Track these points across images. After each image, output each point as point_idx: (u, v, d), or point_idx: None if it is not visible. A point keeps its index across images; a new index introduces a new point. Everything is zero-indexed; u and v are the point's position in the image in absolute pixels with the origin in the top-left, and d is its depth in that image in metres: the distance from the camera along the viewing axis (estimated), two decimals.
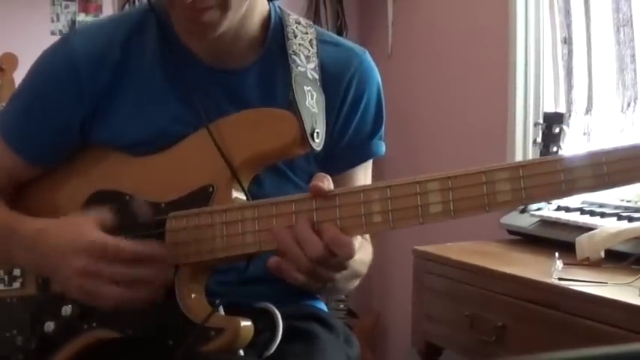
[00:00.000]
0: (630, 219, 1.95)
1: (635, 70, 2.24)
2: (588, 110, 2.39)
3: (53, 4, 3.17)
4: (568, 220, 2.06)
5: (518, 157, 2.54)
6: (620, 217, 1.98)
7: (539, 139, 2.32)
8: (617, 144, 0.97)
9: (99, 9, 3.22)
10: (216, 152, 1.13)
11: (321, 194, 1.04)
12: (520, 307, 1.82)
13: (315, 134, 1.13)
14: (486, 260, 2.00)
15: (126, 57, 1.22)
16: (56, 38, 1.30)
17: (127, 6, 3.17)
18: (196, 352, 1.07)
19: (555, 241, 2.02)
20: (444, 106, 3.04)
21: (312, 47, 1.25)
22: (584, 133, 2.39)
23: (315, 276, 1.05)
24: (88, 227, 1.10)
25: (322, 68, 1.24)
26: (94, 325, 1.16)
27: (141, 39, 1.23)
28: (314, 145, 1.13)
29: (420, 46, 3.19)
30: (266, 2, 1.27)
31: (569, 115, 2.42)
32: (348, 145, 1.28)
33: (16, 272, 1.27)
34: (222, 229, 1.10)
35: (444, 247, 2.20)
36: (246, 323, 1.09)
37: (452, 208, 0.99)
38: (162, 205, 1.15)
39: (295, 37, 1.24)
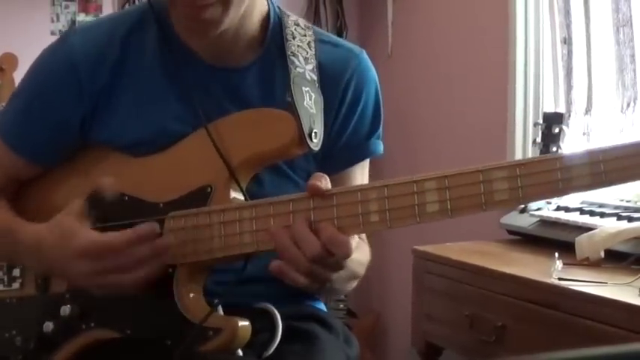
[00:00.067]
0: (630, 219, 1.95)
1: (634, 71, 2.24)
2: (588, 110, 2.39)
3: (53, 4, 3.17)
4: (568, 220, 2.06)
5: (518, 157, 2.54)
6: (619, 217, 1.98)
7: (538, 139, 2.32)
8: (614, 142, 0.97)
9: (99, 9, 3.22)
10: (215, 152, 1.14)
11: (318, 193, 1.04)
12: (520, 307, 1.82)
13: (313, 134, 1.13)
14: (486, 260, 2.00)
15: (125, 56, 1.22)
16: (56, 38, 1.30)
17: (126, 6, 3.17)
18: (194, 352, 1.07)
19: (555, 241, 2.02)
20: (443, 107, 3.04)
21: (310, 49, 1.25)
22: (584, 134, 2.39)
23: (313, 276, 1.05)
24: (74, 231, 1.10)
25: (320, 68, 1.24)
26: (93, 325, 1.16)
27: (140, 38, 1.23)
28: (312, 145, 1.13)
29: (419, 47, 3.19)
30: (265, 2, 1.27)
31: (569, 116, 2.42)
32: (346, 144, 1.28)
33: (16, 273, 1.27)
34: (220, 229, 1.10)
35: (443, 247, 2.20)
36: (243, 323, 1.09)
37: (449, 207, 0.99)
38: (161, 205, 1.16)
39: (294, 38, 1.25)
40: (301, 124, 1.12)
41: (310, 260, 1.02)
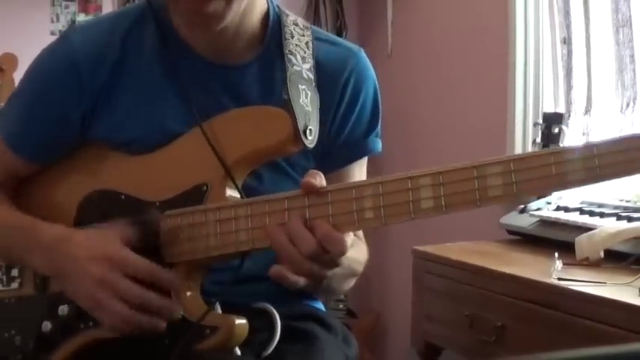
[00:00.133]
0: (629, 219, 1.95)
1: (634, 71, 2.24)
2: (587, 110, 2.39)
3: (53, 4, 3.17)
4: (567, 220, 2.05)
5: None
6: (619, 217, 1.98)
7: (538, 140, 2.32)
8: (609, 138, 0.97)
9: (99, 9, 3.22)
10: (210, 151, 1.14)
11: (313, 191, 1.04)
12: (520, 307, 1.82)
13: (307, 131, 1.13)
14: (486, 260, 2.00)
15: (125, 54, 1.22)
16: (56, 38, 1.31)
17: (126, 5, 3.17)
18: (192, 350, 1.08)
19: (555, 241, 2.02)
20: (443, 106, 3.04)
21: (308, 49, 1.25)
22: (584, 134, 2.39)
23: (310, 274, 1.05)
24: (113, 239, 1.10)
25: (318, 67, 1.24)
26: (91, 324, 1.16)
27: (139, 36, 1.23)
28: (306, 143, 1.13)
29: (419, 46, 3.19)
30: (265, 1, 1.27)
31: (569, 116, 2.42)
32: (345, 142, 1.28)
33: (14, 273, 1.27)
34: (215, 227, 1.10)
35: (443, 247, 2.20)
36: (240, 321, 1.09)
37: (443, 203, 0.99)
38: (157, 203, 1.16)
39: (292, 37, 1.25)
40: (296, 122, 1.12)
41: (306, 258, 1.02)
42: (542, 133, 2.30)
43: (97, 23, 1.33)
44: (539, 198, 2.20)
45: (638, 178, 0.95)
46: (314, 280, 1.07)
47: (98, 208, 1.19)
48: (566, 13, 2.49)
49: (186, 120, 1.19)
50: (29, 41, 2.37)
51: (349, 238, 1.04)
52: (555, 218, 2.10)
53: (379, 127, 1.33)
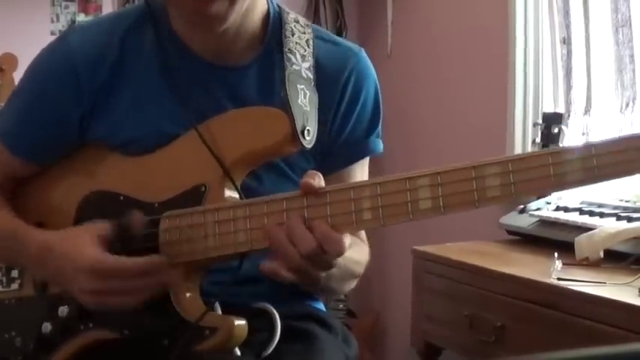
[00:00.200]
0: (629, 219, 1.95)
1: (633, 71, 2.24)
2: (587, 110, 2.39)
3: (53, 5, 3.17)
4: (567, 220, 2.05)
5: None
6: (619, 217, 1.98)
7: (538, 140, 2.32)
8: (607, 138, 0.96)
9: (99, 9, 3.22)
10: (209, 151, 1.13)
11: (311, 191, 1.04)
12: (519, 307, 1.82)
13: (305, 132, 1.13)
14: (486, 260, 2.00)
15: (124, 56, 1.22)
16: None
17: (126, 6, 3.17)
18: (191, 351, 1.07)
19: (554, 241, 2.02)
20: (443, 106, 3.04)
21: (308, 47, 1.25)
22: (583, 134, 2.40)
23: (302, 273, 1.04)
24: (88, 247, 1.10)
25: (318, 67, 1.24)
26: (91, 325, 1.17)
27: (139, 37, 1.23)
28: (305, 143, 1.13)
29: (419, 46, 3.19)
30: (265, 1, 1.27)
31: (568, 116, 2.42)
32: (345, 142, 1.28)
33: (14, 274, 1.27)
34: (214, 228, 1.10)
35: (443, 247, 2.20)
36: (240, 322, 1.09)
37: (441, 204, 0.99)
38: (156, 204, 1.16)
39: (293, 35, 1.25)
40: (294, 122, 1.12)
41: (304, 257, 1.02)
42: (542, 133, 2.30)
43: (95, 24, 1.32)
44: (538, 198, 2.20)
45: (637, 178, 0.95)
46: (306, 280, 1.07)
47: (97, 209, 1.19)
48: (566, 13, 2.49)
49: (185, 121, 1.18)
50: (29, 41, 2.37)
51: (347, 238, 1.04)
52: (555, 218, 2.10)
53: (380, 127, 1.32)
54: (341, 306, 3.24)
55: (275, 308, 1.20)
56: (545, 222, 2.13)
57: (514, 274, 1.85)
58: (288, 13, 1.29)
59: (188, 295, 1.12)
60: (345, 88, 1.27)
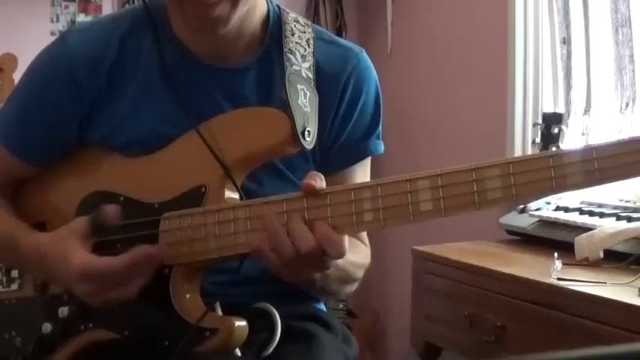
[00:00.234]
0: (629, 219, 1.95)
1: (633, 71, 2.24)
2: (587, 111, 2.39)
3: (53, 5, 3.17)
4: (567, 220, 2.06)
5: None
6: (619, 217, 1.98)
7: (538, 140, 2.32)
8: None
9: (99, 10, 3.22)
10: (209, 152, 1.13)
11: (312, 192, 1.04)
12: (519, 307, 1.82)
13: (306, 132, 1.13)
14: (485, 260, 2.00)
15: (123, 57, 1.22)
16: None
17: (126, 6, 3.17)
18: (191, 352, 1.07)
19: (554, 241, 2.02)
20: (443, 106, 3.04)
21: (308, 47, 1.25)
22: (583, 134, 2.39)
23: (296, 270, 1.04)
24: (77, 252, 1.09)
25: (319, 67, 1.24)
26: (91, 325, 1.17)
27: (138, 39, 1.23)
28: (305, 144, 1.13)
29: (419, 46, 3.19)
30: (265, 2, 1.27)
31: (568, 116, 2.42)
32: (345, 143, 1.27)
33: (14, 274, 1.27)
34: (214, 229, 1.10)
35: (443, 247, 2.20)
36: (240, 323, 1.09)
37: (442, 206, 0.99)
38: (156, 205, 1.16)
39: (293, 34, 1.24)
40: (294, 123, 1.11)
41: (303, 257, 1.02)
42: (542, 133, 2.30)
43: (95, 25, 1.32)
44: (538, 198, 2.20)
45: (637, 179, 0.95)
46: (297, 278, 1.07)
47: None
48: (566, 14, 2.48)
49: (184, 123, 1.18)
50: (29, 41, 2.37)
51: (346, 241, 1.04)
52: (555, 218, 2.10)
53: (381, 128, 1.32)
54: (341, 306, 3.23)
55: (275, 308, 1.20)
56: (545, 222, 2.13)
57: (514, 274, 1.85)
58: (288, 13, 1.29)
59: (188, 295, 1.12)
60: (346, 89, 1.26)
